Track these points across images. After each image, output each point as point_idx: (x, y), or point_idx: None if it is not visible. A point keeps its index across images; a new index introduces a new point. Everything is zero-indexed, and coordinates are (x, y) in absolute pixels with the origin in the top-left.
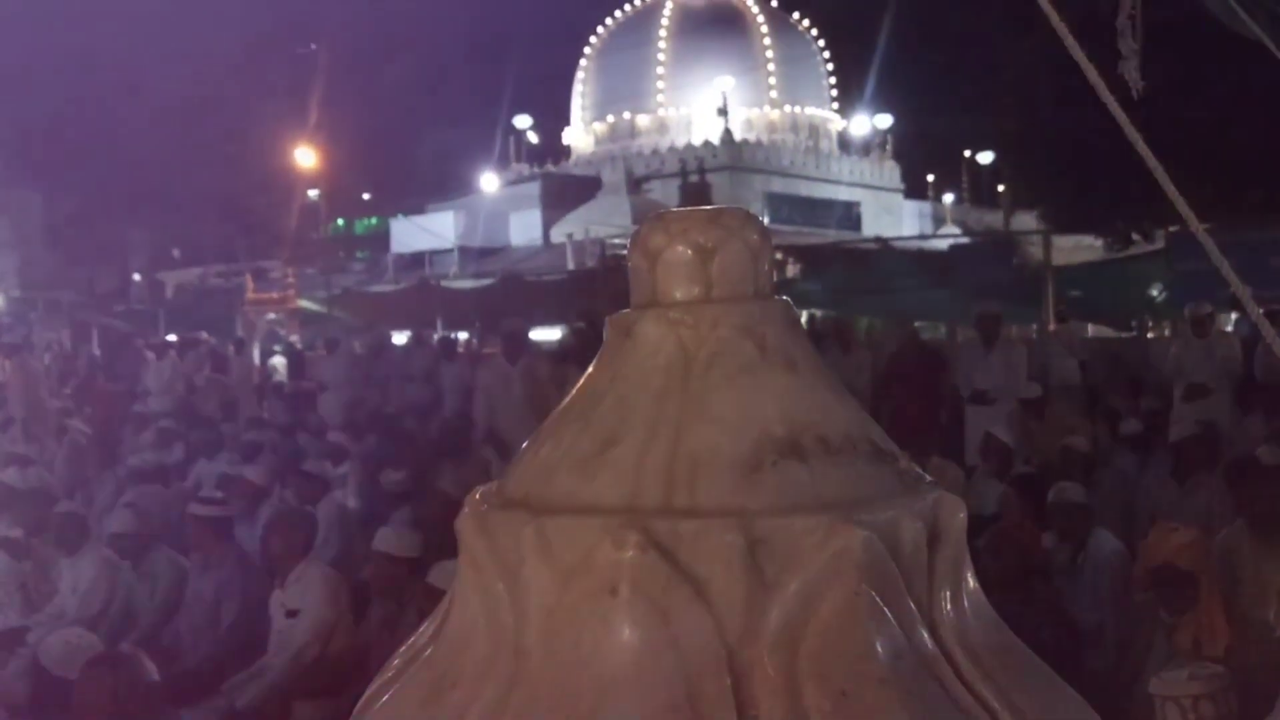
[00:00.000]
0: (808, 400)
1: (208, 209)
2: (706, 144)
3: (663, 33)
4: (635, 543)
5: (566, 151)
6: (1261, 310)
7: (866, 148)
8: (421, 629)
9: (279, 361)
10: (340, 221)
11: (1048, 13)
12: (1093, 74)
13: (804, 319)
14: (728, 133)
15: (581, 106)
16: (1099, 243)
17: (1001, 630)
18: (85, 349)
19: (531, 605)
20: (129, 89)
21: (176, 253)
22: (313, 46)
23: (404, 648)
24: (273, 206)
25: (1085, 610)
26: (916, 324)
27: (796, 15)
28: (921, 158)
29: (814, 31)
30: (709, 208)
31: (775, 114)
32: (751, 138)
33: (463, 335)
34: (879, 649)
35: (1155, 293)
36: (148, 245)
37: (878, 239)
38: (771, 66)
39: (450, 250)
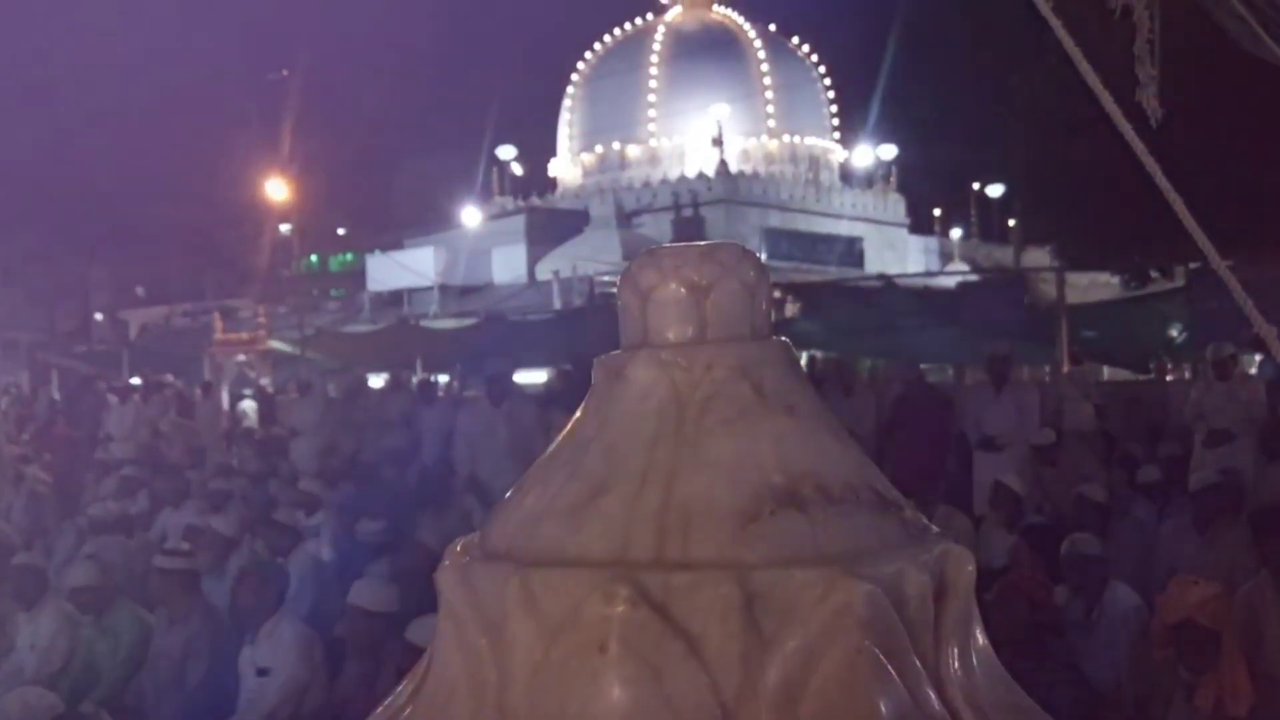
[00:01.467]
0: (807, 446)
1: (174, 244)
2: (700, 176)
3: (654, 59)
4: (625, 597)
5: (552, 184)
6: None
7: (870, 180)
8: (400, 688)
9: (249, 405)
10: (314, 258)
11: (1061, 37)
12: (1108, 101)
13: (803, 360)
14: (723, 164)
15: (568, 136)
16: (1115, 280)
17: (1012, 689)
18: (44, 392)
19: (516, 662)
20: (90, 117)
21: (141, 290)
22: (284, 73)
23: (381, 708)
24: (242, 242)
25: (1100, 668)
26: (922, 366)
27: (795, 40)
28: (928, 190)
29: (814, 57)
30: (703, 243)
31: (773, 144)
32: (748, 169)
33: (443, 378)
34: (883, 709)
35: (1175, 333)
36: (110, 282)
37: (881, 276)
38: (769, 94)
39: (430, 288)
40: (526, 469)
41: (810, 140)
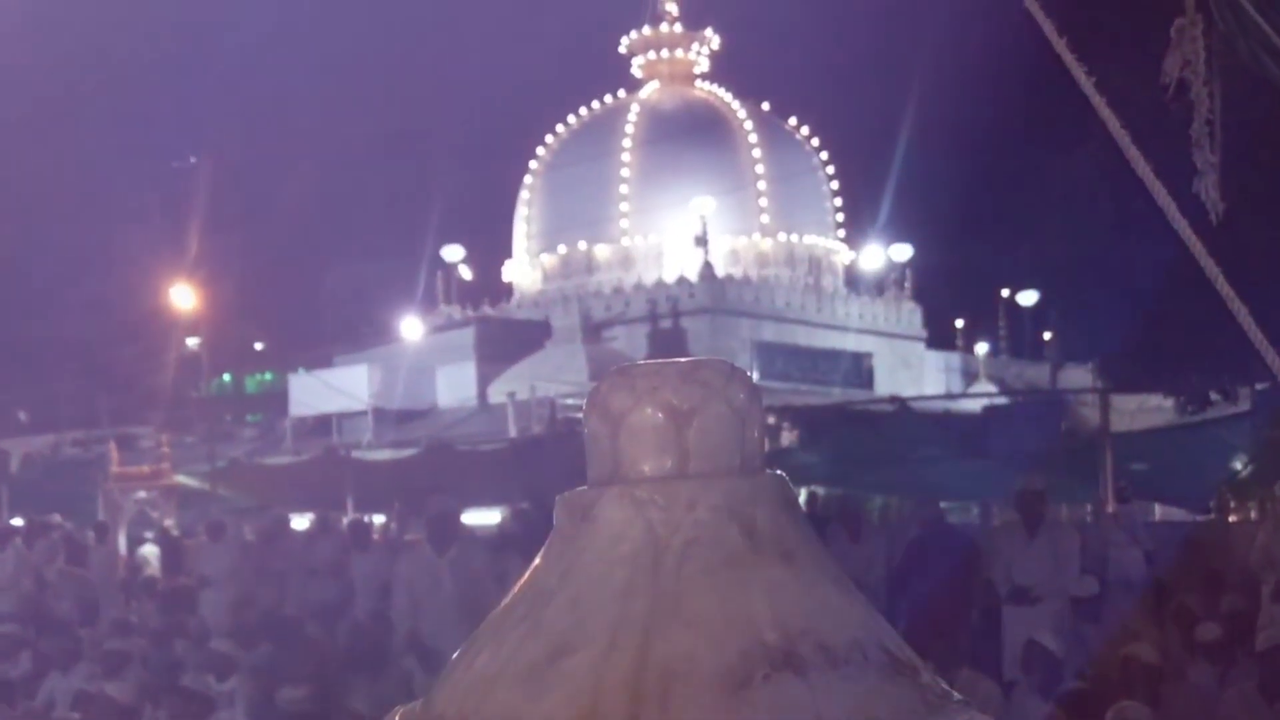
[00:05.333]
0: (807, 599)
1: (62, 362)
2: (681, 281)
3: (627, 143)
4: None
5: (507, 290)
6: None
7: (880, 286)
8: None
9: (150, 551)
10: (226, 377)
11: (1105, 117)
12: (1161, 193)
13: (802, 498)
14: (707, 267)
15: (526, 235)
16: (1168, 403)
17: None
18: None
19: None
20: None
21: (23, 416)
22: (191, 159)
23: None
24: (142, 359)
25: None
26: (942, 504)
27: (792, 121)
28: (948, 298)
29: (814, 141)
30: (684, 360)
31: (766, 244)
32: (737, 273)
33: (379, 518)
34: None
35: (1239, 465)
36: None
37: (894, 399)
38: (762, 185)
39: (363, 412)
40: (477, 625)
41: (810, 239)
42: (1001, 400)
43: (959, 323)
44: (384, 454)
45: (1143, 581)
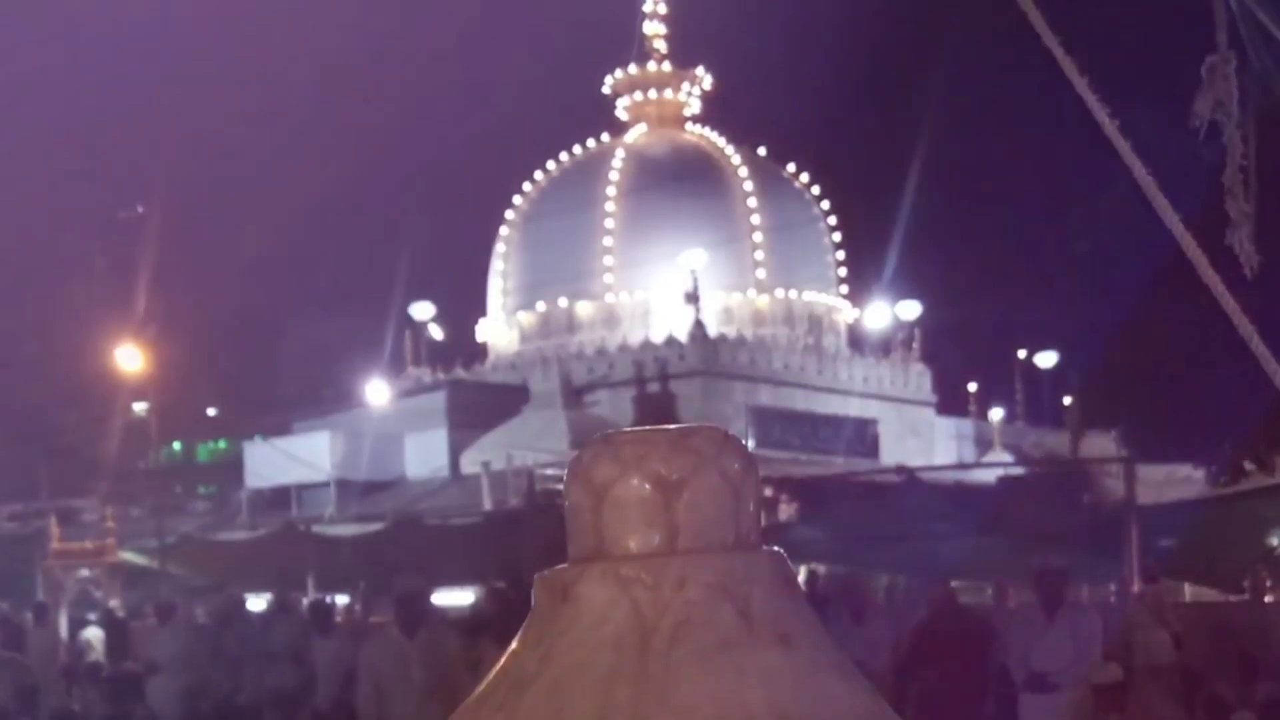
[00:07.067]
0: (806, 686)
1: None
2: (670, 341)
3: (611, 191)
4: None
5: (482, 351)
6: None
7: (886, 346)
8: None
9: (94, 634)
10: (177, 445)
11: (1129, 163)
12: (1191, 246)
13: (802, 576)
14: (699, 325)
15: (502, 291)
16: (1199, 474)
17: None
18: None
19: None
20: None
21: None
22: (139, 209)
23: None
24: (86, 425)
25: None
26: (954, 583)
27: (792, 167)
28: (960, 360)
29: (815, 189)
30: (674, 426)
31: (762, 300)
32: (731, 332)
33: (342, 599)
34: None
35: (1276, 541)
36: None
37: (902, 469)
38: (758, 237)
39: (325, 484)
40: (448, 716)
41: (810, 295)
42: (1018, 471)
43: (972, 386)
44: (348, 529)
45: (1171, 668)
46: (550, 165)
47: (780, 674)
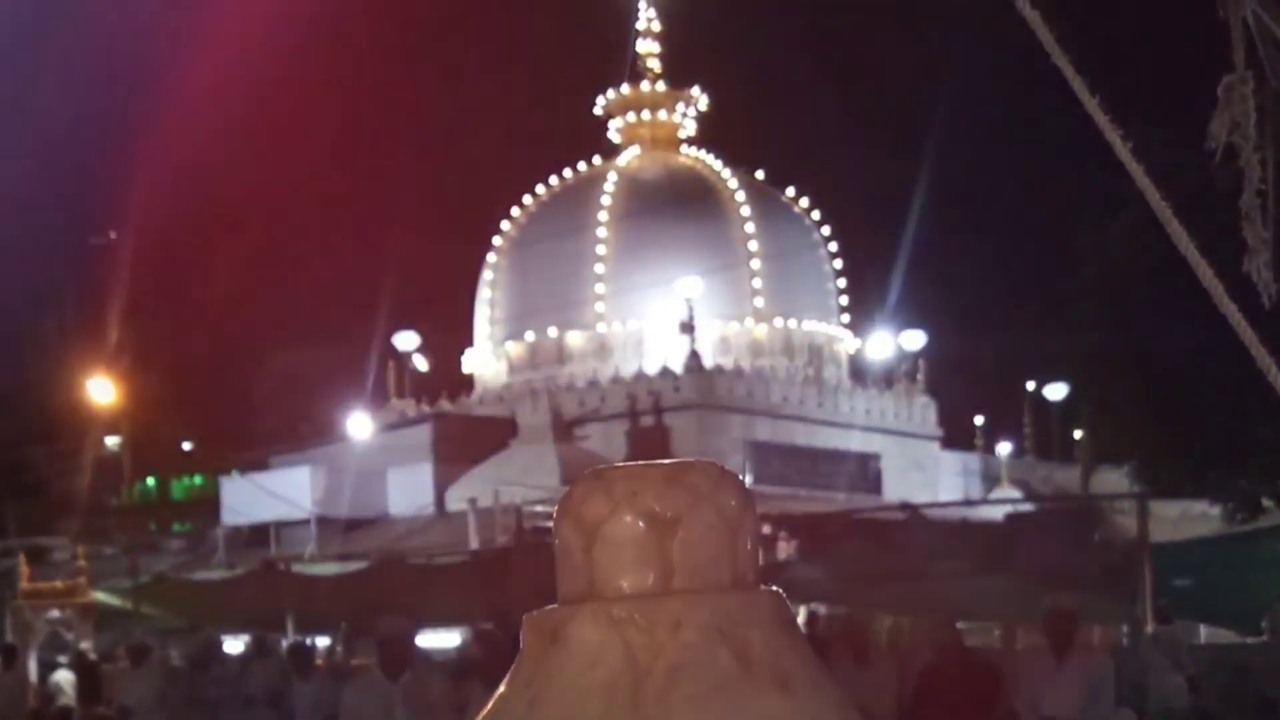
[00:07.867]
0: None
1: None
2: (665, 372)
3: (603, 216)
4: None
5: (468, 383)
6: None
7: (889, 378)
8: None
9: (65, 678)
10: (151, 481)
11: (1143, 186)
12: (1207, 273)
13: (801, 617)
14: (694, 356)
15: (489, 320)
16: (1215, 510)
17: None
18: None
19: None
20: None
21: None
22: (111, 235)
23: None
24: (56, 460)
25: None
26: (960, 625)
27: (791, 192)
28: (966, 392)
29: (815, 215)
30: (668, 461)
31: (761, 330)
32: (728, 363)
33: (323, 640)
34: None
35: None
36: None
37: (905, 505)
38: (756, 264)
39: (305, 521)
40: None
41: (810, 325)
42: (1026, 507)
43: (978, 420)
44: (329, 568)
45: (1186, 712)
46: (540, 189)
47: (779, 718)
